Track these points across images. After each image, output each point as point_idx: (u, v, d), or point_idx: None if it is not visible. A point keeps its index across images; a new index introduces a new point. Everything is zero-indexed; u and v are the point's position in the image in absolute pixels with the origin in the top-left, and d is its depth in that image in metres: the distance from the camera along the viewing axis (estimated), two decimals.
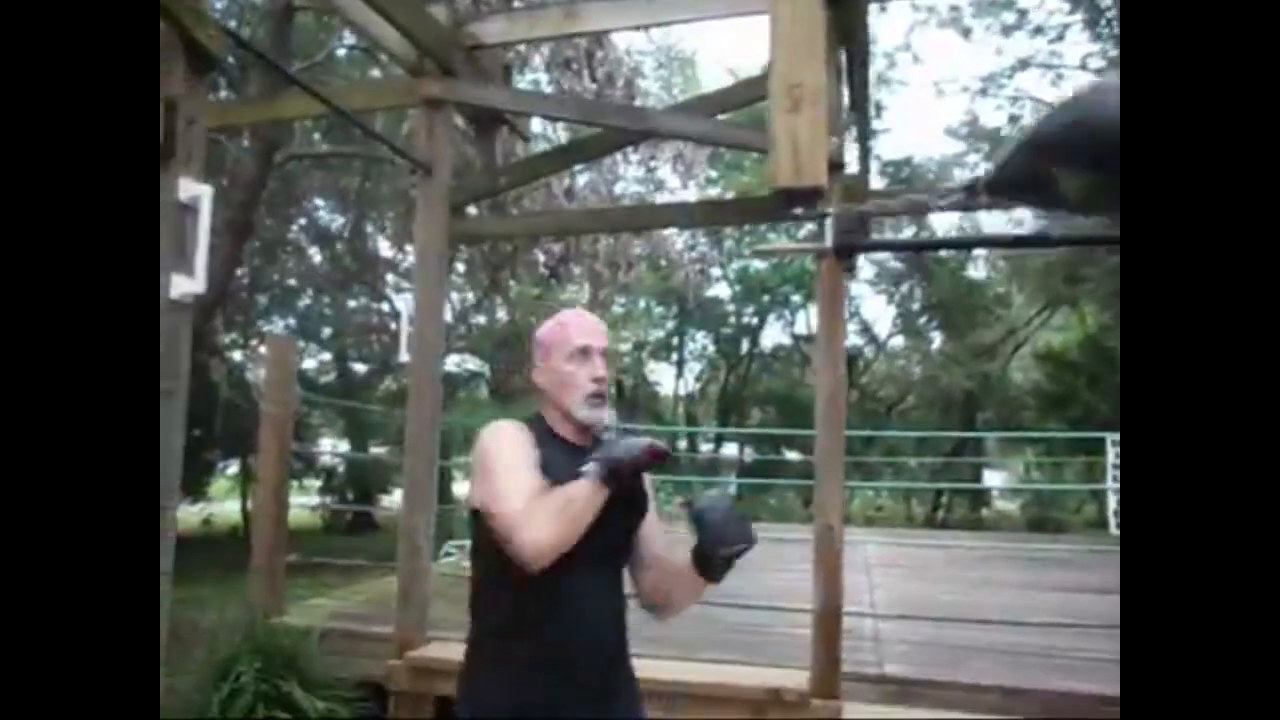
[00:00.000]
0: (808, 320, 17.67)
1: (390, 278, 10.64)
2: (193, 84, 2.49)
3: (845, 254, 3.05)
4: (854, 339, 17.33)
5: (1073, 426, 13.30)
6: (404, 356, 3.63)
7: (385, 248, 10.63)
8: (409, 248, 10.05)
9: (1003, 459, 18.37)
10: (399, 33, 3.34)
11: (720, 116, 3.25)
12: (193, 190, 2.50)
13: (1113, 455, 8.80)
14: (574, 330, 1.68)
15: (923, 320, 17.70)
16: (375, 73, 7.93)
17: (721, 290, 16.85)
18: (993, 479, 17.20)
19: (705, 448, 16.45)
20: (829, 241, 3.02)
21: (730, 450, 16.56)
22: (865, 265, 17.43)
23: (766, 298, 16.33)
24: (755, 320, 17.10)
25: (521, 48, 5.50)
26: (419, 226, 3.58)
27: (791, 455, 15.36)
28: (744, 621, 4.62)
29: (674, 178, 8.09)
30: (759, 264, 16.55)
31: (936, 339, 17.80)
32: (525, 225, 3.97)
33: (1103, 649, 4.25)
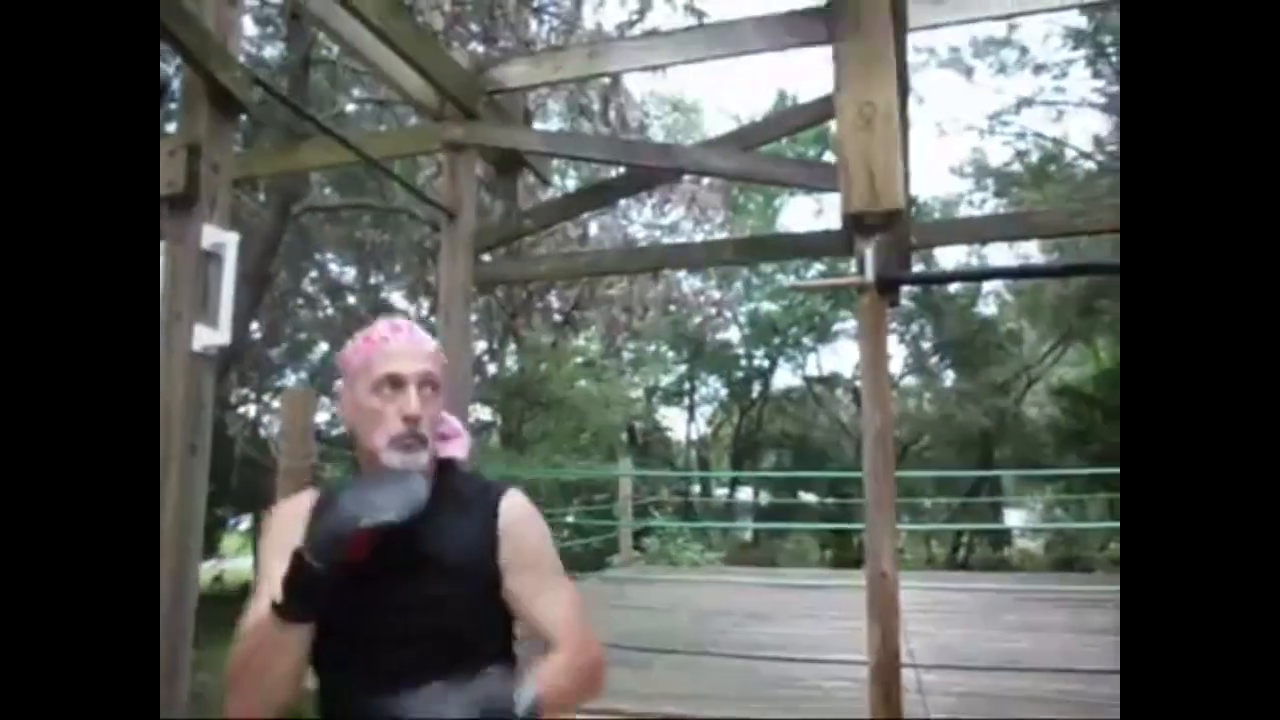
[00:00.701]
0: (818, 362, 17.63)
1: None
2: (218, 128, 2.45)
3: (888, 287, 2.96)
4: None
5: (1093, 463, 13.08)
6: None
7: (398, 298, 10.64)
8: (422, 299, 10.06)
9: (1021, 497, 18.10)
10: (421, 77, 3.32)
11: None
12: (217, 238, 2.43)
13: None
14: (379, 353, 1.29)
15: (934, 359, 17.60)
16: (383, 128, 8.01)
17: (732, 334, 16.82)
18: (1013, 518, 16.92)
19: (719, 492, 16.23)
20: (869, 275, 2.95)
21: (745, 494, 16.34)
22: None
23: (777, 340, 16.27)
24: (766, 363, 17.03)
25: (535, 95, 5.52)
26: (443, 271, 3.52)
27: (808, 498, 15.13)
28: (780, 675, 4.46)
29: (687, 222, 8.07)
30: (769, 305, 16.54)
31: (949, 377, 17.69)
32: (554, 267, 3.91)
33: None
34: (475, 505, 1.30)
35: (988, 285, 17.09)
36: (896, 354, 17.92)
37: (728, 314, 15.57)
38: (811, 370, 17.17)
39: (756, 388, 16.90)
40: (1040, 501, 17.34)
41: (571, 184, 8.34)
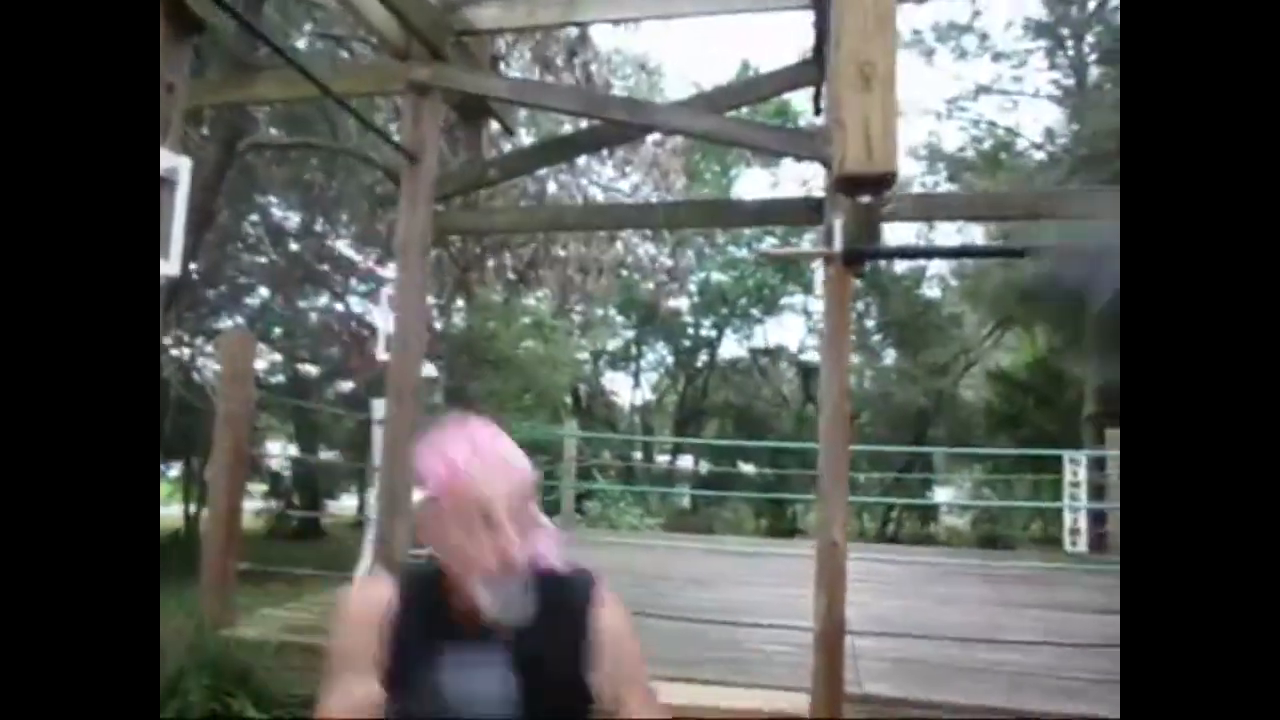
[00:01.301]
0: (765, 334, 17.79)
1: (351, 280, 10.33)
2: (172, 47, 2.30)
3: (854, 260, 2.97)
4: (813, 354, 17.47)
5: (1021, 445, 13.55)
6: (382, 356, 3.43)
7: (344, 246, 10.31)
8: (369, 249, 9.78)
9: (950, 475, 18.67)
10: (388, 10, 3.16)
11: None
12: (171, 162, 2.29)
13: (1071, 474, 8.94)
14: (462, 484, 1.13)
15: (877, 337, 17.93)
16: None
17: (682, 302, 16.83)
18: (942, 495, 17.46)
19: (661, 458, 16.35)
20: (837, 246, 2.94)
21: (686, 462, 16.51)
22: (822, 282, 17.61)
23: (725, 310, 16.36)
24: (714, 332, 17.11)
25: (500, 43, 5.35)
26: (402, 219, 3.39)
27: (747, 468, 15.36)
28: (722, 638, 4.52)
29: (646, 186, 7.98)
30: (720, 275, 16.58)
31: (890, 356, 18.05)
32: (515, 219, 3.79)
33: (1082, 668, 4.24)
34: (570, 612, 1.24)
35: (933, 268, 17.44)
36: None
37: (679, 282, 15.58)
38: (758, 342, 17.34)
39: (703, 357, 17.00)
40: (969, 480, 17.92)
41: (530, 140, 8.16)
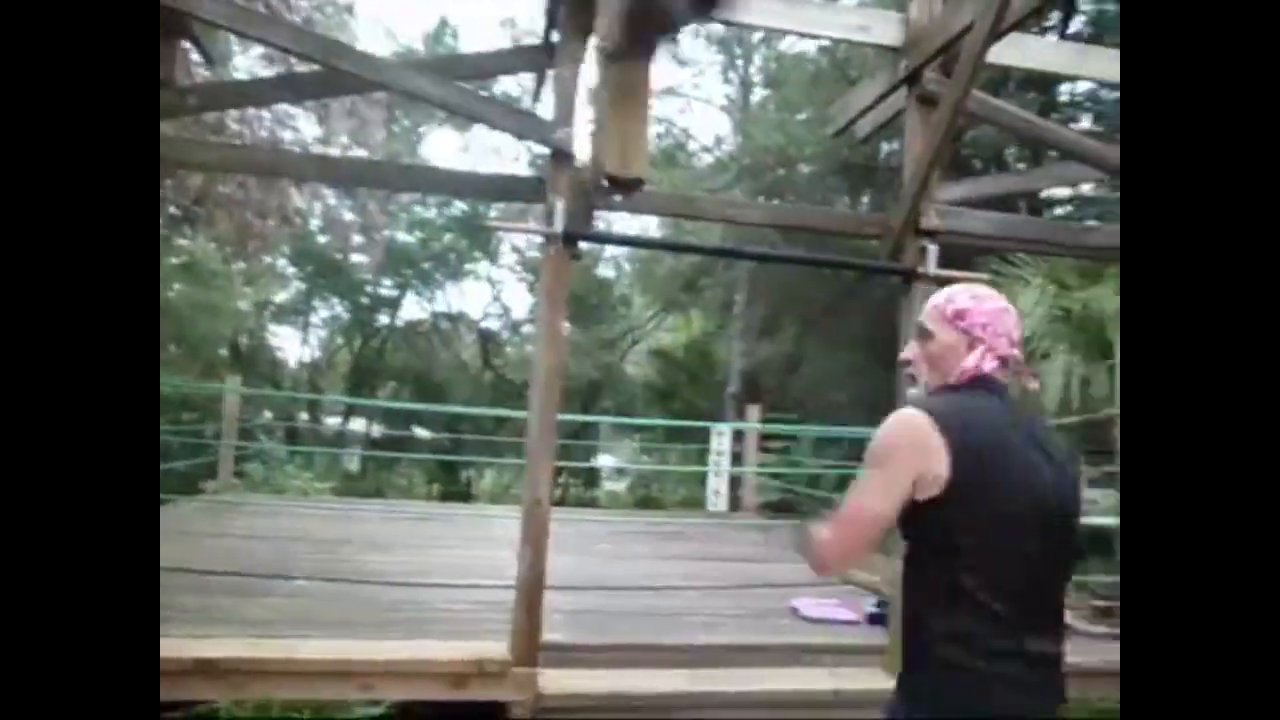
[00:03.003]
0: (447, 299, 17.63)
1: None
2: None
3: (572, 241, 3.23)
4: (493, 322, 17.71)
5: (674, 417, 15.07)
6: None
7: None
8: None
9: (611, 444, 20.09)
10: None
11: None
12: None
13: (717, 443, 10.20)
14: None
15: None
16: None
17: (362, 258, 16.03)
18: (604, 461, 18.74)
19: (331, 420, 15.52)
20: (559, 227, 3.18)
21: (358, 425, 15.85)
22: (507, 252, 17.89)
23: (410, 271, 15.92)
24: (396, 293, 16.57)
25: None
26: None
27: (423, 433, 15.18)
28: (404, 599, 4.59)
29: (343, 137, 7.52)
30: (404, 236, 16.08)
31: (565, 329, 18.86)
32: (227, 157, 3.39)
33: (724, 606, 5.01)
34: None
35: (609, 251, 18.56)
36: (523, 302, 18.66)
37: (360, 238, 14.83)
38: (441, 306, 17.13)
39: (383, 318, 16.38)
40: (628, 448, 19.45)
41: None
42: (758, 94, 14.45)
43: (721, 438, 10.19)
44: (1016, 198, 8.18)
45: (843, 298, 11.45)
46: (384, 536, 7.21)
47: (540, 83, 3.76)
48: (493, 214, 16.41)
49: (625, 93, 1.61)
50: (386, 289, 16.44)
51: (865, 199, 11.52)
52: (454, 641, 3.29)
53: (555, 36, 3.25)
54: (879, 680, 2.87)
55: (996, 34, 2.86)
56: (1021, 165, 9.62)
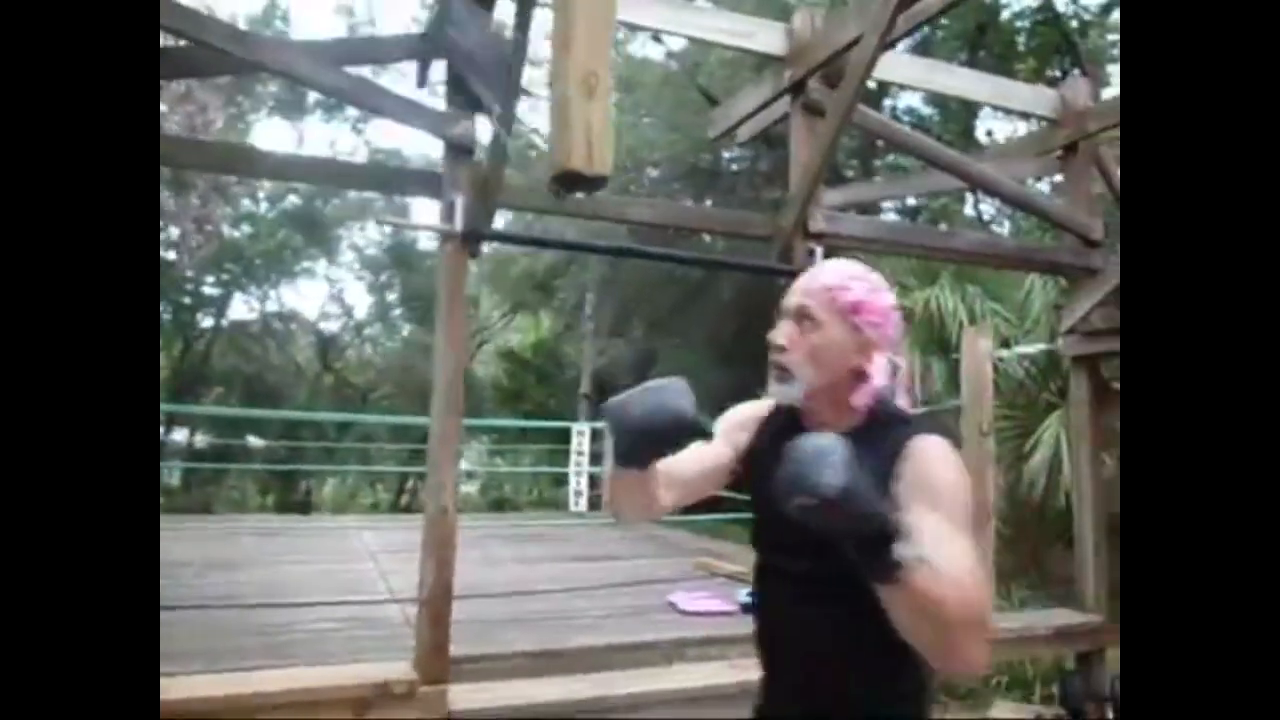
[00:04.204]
0: (280, 298, 16.53)
1: None
2: None
3: (472, 240, 3.11)
4: (332, 323, 16.80)
5: (523, 418, 14.93)
6: None
7: None
8: None
9: (460, 446, 19.62)
10: None
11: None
12: None
13: (578, 443, 10.19)
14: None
15: (399, 311, 17.97)
16: None
17: (172, 254, 14.68)
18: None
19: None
20: (459, 226, 3.06)
21: (180, 435, 14.55)
22: (347, 251, 17.05)
23: (236, 268, 14.78)
24: (221, 291, 15.33)
25: None
26: None
27: (256, 441, 14.16)
28: (265, 622, 4.28)
29: (176, 115, 6.83)
30: (229, 231, 14.89)
31: (411, 330, 18.24)
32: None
33: (604, 606, 5.01)
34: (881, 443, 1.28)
35: None
36: (362, 302, 17.83)
37: (174, 231, 13.58)
38: (273, 306, 16.04)
39: (208, 318, 15.10)
40: (477, 451, 19.08)
41: None
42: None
43: (583, 438, 10.20)
44: (877, 204, 8.78)
45: (691, 298, 11.76)
46: (226, 555, 6.68)
47: (424, 71, 3.61)
48: (327, 209, 15.68)
49: (591, 77, 1.56)
50: (210, 287, 15.17)
51: (709, 202, 11.86)
52: (354, 665, 3.09)
53: (447, 26, 3.13)
54: None
55: (883, 48, 3.03)
56: (850, 174, 10.27)
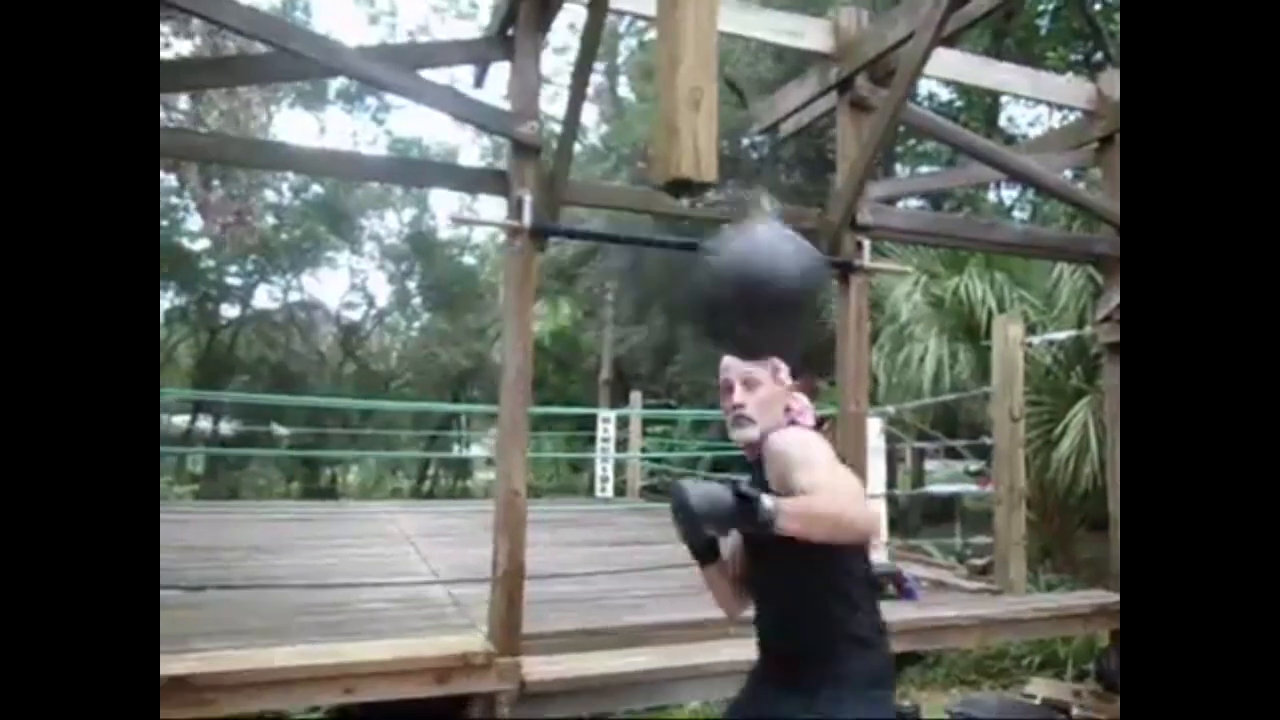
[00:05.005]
0: (302, 287, 16.72)
1: None
2: None
3: (540, 235, 3.24)
4: (355, 312, 16.98)
5: (541, 404, 15.05)
6: None
7: None
8: None
9: (478, 433, 19.79)
10: None
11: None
12: None
13: (603, 430, 10.33)
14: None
15: (418, 300, 18.13)
16: None
17: (204, 244, 14.88)
18: (475, 451, 18.46)
19: (178, 419, 14.34)
20: (527, 221, 3.19)
21: (205, 423, 14.76)
22: (368, 240, 17.20)
23: (261, 259, 14.95)
24: (240, 281, 15.51)
25: None
26: None
27: (281, 430, 14.35)
28: (316, 602, 4.38)
29: (214, 115, 6.96)
30: (256, 222, 15.03)
31: (429, 318, 18.40)
32: (167, 142, 3.10)
33: (641, 587, 5.12)
34: None
35: (475, 239, 18.25)
36: (383, 291, 17.99)
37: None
38: (295, 296, 16.21)
39: (235, 308, 15.30)
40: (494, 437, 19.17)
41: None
42: (623, 84, 14.64)
43: (608, 425, 10.33)
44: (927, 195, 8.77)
45: None
46: (269, 540, 6.81)
47: (483, 73, 3.73)
48: (349, 200, 15.81)
49: (696, 91, 1.69)
50: (232, 276, 15.36)
51: (728, 190, 11.89)
52: (435, 638, 3.25)
53: (512, 30, 3.26)
54: None
55: (935, 45, 3.13)
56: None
